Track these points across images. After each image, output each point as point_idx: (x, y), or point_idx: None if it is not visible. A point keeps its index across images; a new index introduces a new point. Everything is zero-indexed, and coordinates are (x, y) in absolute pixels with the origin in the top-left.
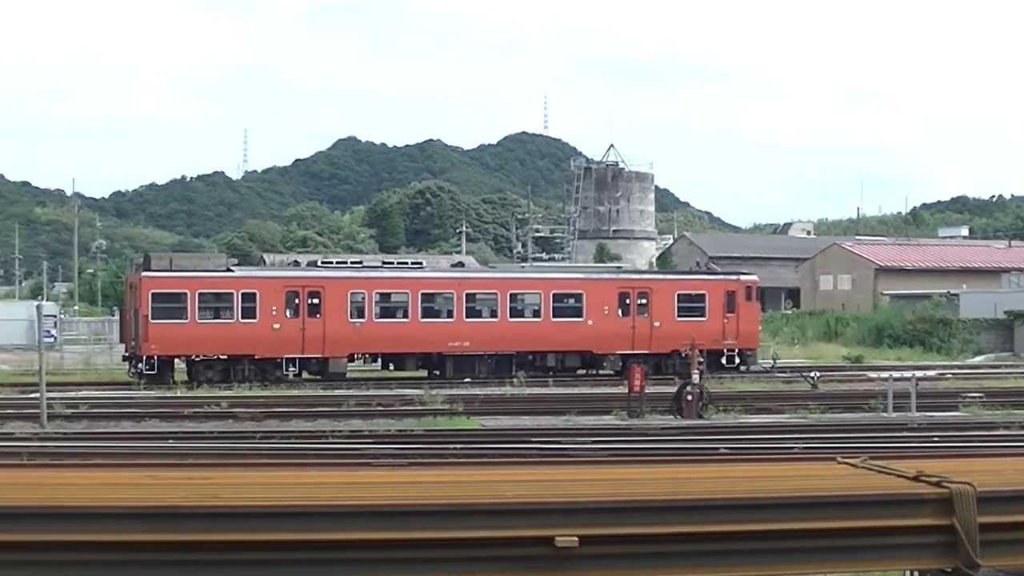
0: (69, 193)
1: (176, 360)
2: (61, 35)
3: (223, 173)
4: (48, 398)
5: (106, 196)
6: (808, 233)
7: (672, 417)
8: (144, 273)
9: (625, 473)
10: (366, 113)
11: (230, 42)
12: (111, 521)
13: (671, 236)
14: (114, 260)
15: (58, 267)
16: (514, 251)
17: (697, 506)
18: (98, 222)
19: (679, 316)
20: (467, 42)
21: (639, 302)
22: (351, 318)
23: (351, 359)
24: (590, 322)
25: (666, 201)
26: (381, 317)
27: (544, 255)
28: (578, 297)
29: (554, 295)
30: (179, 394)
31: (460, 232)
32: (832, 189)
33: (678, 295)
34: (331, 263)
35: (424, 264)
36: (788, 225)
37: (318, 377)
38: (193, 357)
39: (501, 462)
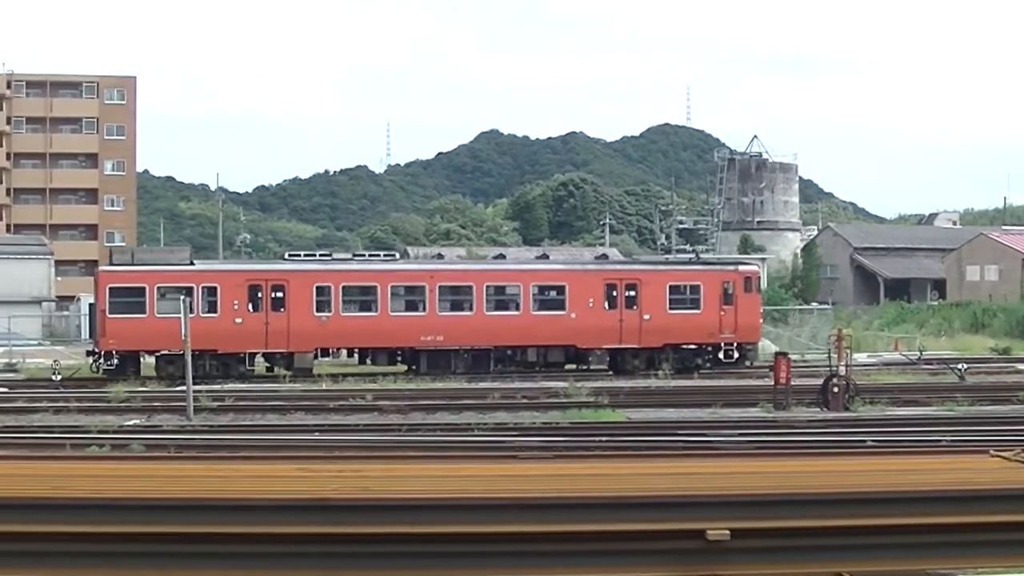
0: (213, 188)
1: (142, 355)
2: (205, 32)
3: (366, 167)
4: (194, 391)
5: (250, 190)
6: (954, 223)
7: (818, 409)
8: (101, 268)
9: (775, 466)
10: (509, 106)
11: (373, 36)
12: (263, 513)
13: (815, 227)
14: (258, 253)
15: None
16: (658, 243)
17: (848, 499)
18: (242, 216)
19: (671, 308)
20: (610, 34)
21: (627, 294)
22: (316, 312)
23: (319, 354)
24: (574, 315)
25: (810, 192)
26: (348, 311)
27: (688, 247)
28: (560, 289)
29: (534, 287)
30: (324, 388)
31: (603, 224)
32: (978, 178)
33: (670, 286)
34: (298, 256)
35: (397, 256)
36: (934, 215)
37: (287, 371)
38: (154, 352)
39: (648, 455)
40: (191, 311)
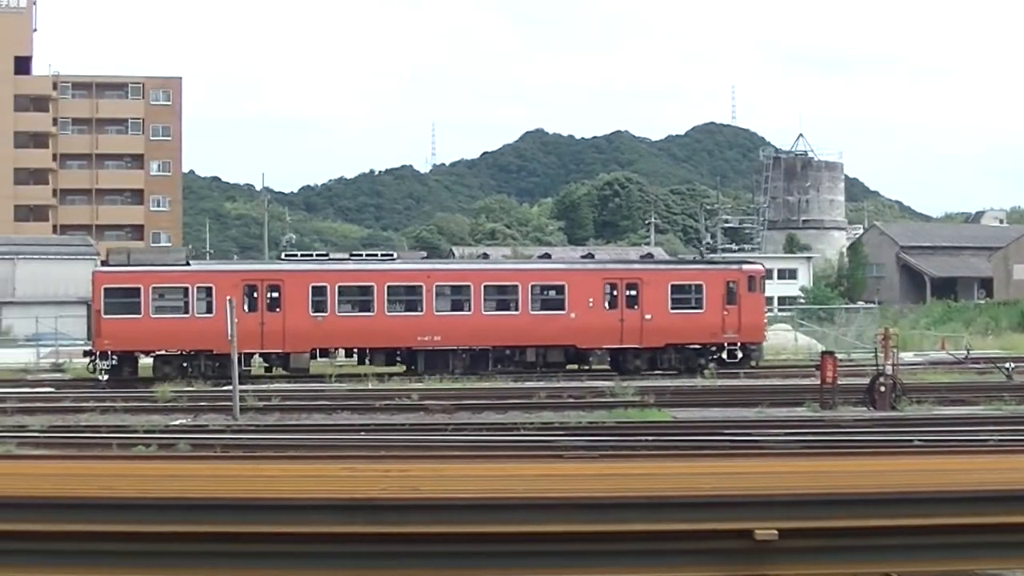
0: (259, 188)
1: (141, 356)
2: (250, 32)
3: (411, 167)
4: (240, 391)
5: (295, 190)
6: (1001, 221)
7: (865, 409)
8: (96, 268)
9: (822, 466)
10: (553, 105)
11: (418, 36)
12: (310, 513)
13: (861, 226)
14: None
15: None
16: (703, 242)
17: (896, 499)
18: (287, 216)
19: (673, 308)
20: (655, 33)
21: (628, 293)
22: (312, 312)
23: (317, 355)
24: (573, 315)
25: (855, 190)
26: (344, 311)
27: (733, 246)
28: (560, 289)
29: (533, 287)
30: (370, 387)
31: (649, 223)
32: None
33: (671, 286)
34: (295, 256)
35: (396, 256)
36: (980, 213)
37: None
38: (150, 352)
39: (694, 454)
40: (186, 312)
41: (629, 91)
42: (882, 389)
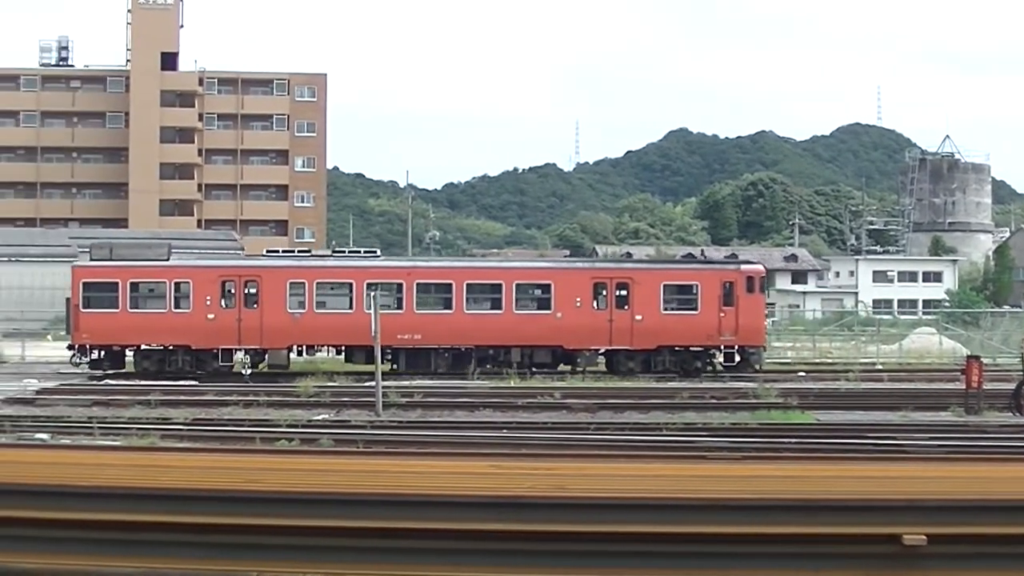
0: (402, 184)
1: (125, 350)
2: (394, 29)
3: (555, 165)
4: (383, 387)
5: (438, 187)
6: None
7: (1011, 414)
8: (74, 263)
9: (972, 471)
10: (698, 104)
11: (563, 36)
12: (458, 510)
13: (1008, 229)
14: (447, 251)
15: None
16: (847, 244)
17: None
18: (431, 213)
19: (665, 309)
20: (800, 32)
21: (618, 293)
22: (290, 308)
23: (302, 352)
24: (559, 315)
25: (1002, 193)
26: (323, 308)
27: (878, 248)
28: (546, 288)
29: (517, 285)
30: (512, 385)
31: (792, 224)
32: None
33: (664, 286)
34: (276, 252)
35: (378, 253)
36: None
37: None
38: (128, 347)
39: (838, 457)
40: (163, 307)
41: (774, 91)
42: None
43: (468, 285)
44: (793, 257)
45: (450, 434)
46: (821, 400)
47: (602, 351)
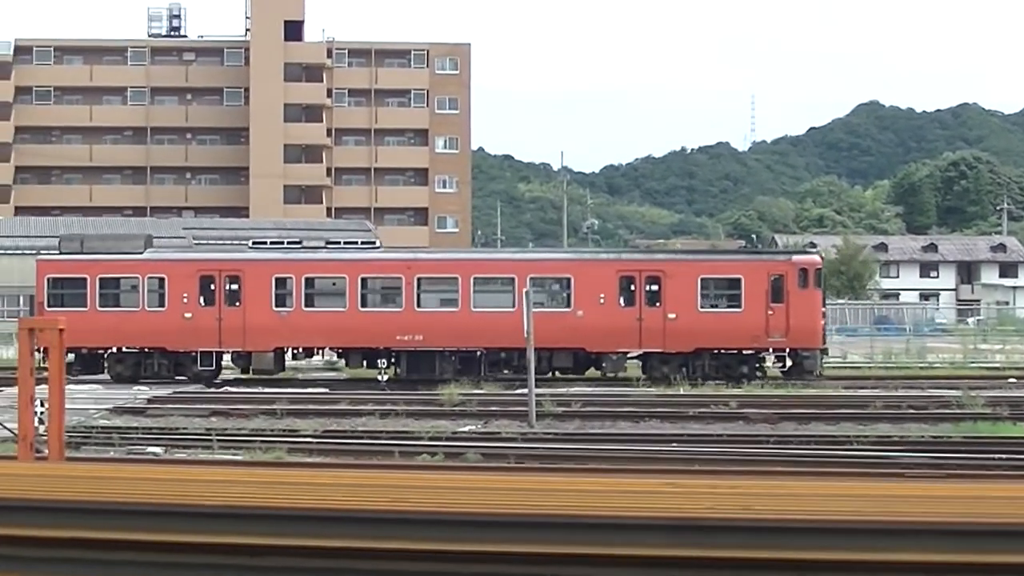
0: (556, 167)
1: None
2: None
3: (728, 144)
4: (537, 395)
5: (596, 171)
6: None
7: None
8: (39, 257)
9: None
10: (891, 74)
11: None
12: (633, 533)
13: None
14: (607, 241)
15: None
16: None
17: None
18: (589, 199)
19: (703, 306)
20: None
21: (648, 288)
22: (276, 307)
23: (296, 354)
24: (580, 313)
25: None
26: (312, 306)
27: None
28: (564, 282)
29: (532, 280)
30: (681, 392)
31: (1001, 210)
32: None
33: (702, 280)
34: (264, 244)
35: (377, 244)
36: None
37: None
38: (97, 350)
39: None
40: (136, 305)
41: (977, 58)
42: None
43: (475, 279)
44: (1001, 247)
45: (614, 447)
46: None
47: (632, 354)
